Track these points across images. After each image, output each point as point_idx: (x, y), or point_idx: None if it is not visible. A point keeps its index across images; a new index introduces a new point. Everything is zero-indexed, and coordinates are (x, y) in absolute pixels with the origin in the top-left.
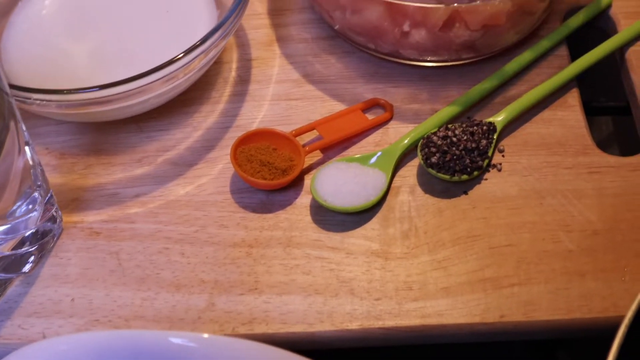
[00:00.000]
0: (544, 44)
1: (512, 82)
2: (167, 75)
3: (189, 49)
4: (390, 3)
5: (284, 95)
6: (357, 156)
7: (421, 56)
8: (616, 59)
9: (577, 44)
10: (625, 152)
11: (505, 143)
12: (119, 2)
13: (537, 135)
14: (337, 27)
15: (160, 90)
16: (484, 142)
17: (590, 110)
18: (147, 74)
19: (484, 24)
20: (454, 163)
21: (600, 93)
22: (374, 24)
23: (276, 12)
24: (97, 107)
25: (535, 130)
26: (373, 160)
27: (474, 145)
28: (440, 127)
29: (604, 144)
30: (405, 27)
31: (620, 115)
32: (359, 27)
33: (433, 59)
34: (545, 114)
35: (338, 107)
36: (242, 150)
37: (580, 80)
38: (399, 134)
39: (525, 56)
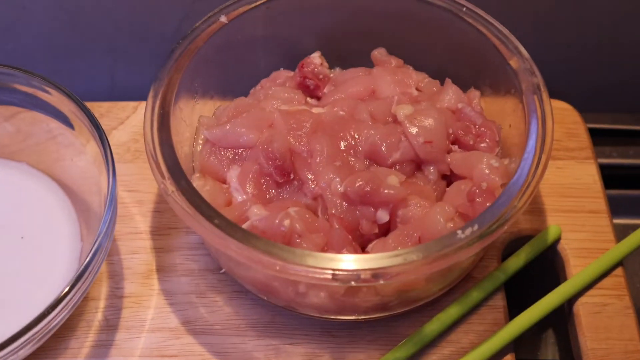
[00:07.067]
0: (474, 295)
1: (434, 344)
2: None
3: (38, 317)
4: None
5: (156, 350)
6: None
7: (322, 315)
8: (564, 308)
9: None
10: None
11: None
12: None
13: None
14: (223, 271)
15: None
16: None
17: None
18: None
19: (398, 290)
20: None
21: (543, 348)
22: (262, 281)
23: (159, 232)
24: None
25: None
26: None
27: None
28: None
29: None
30: (301, 289)
31: None
32: (247, 280)
33: (338, 317)
34: None
35: None
36: None
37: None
38: None
39: (451, 313)
